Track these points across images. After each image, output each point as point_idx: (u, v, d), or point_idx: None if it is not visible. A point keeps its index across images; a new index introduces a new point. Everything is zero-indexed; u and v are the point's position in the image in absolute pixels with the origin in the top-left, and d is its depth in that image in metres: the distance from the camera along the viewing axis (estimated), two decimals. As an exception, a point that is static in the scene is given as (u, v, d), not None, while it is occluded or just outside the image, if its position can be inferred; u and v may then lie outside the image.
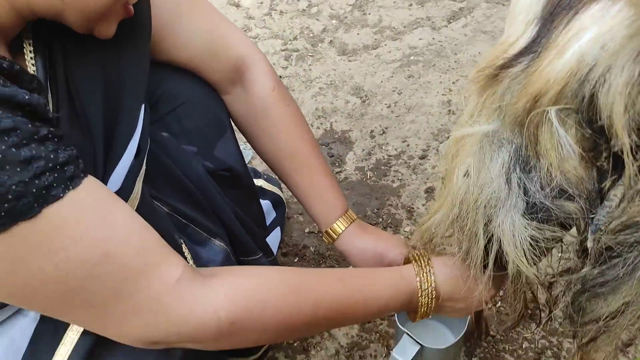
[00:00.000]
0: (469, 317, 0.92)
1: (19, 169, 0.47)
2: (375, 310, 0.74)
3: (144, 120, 0.70)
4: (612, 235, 0.54)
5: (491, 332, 1.14)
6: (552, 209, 0.57)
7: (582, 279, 0.60)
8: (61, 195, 0.50)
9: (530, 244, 0.60)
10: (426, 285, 0.75)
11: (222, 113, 0.90)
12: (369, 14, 1.86)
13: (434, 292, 0.75)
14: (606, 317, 0.60)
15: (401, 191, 1.39)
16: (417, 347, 0.86)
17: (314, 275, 0.72)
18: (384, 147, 1.50)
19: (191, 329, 0.60)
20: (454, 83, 1.64)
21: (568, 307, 0.67)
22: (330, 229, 0.93)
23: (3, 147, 0.46)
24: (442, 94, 1.62)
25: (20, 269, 0.50)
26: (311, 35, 1.82)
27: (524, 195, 0.60)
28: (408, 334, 0.87)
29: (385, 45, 1.77)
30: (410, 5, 1.88)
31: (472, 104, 0.63)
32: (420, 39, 1.77)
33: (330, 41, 1.80)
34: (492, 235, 0.67)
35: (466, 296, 0.77)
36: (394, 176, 1.43)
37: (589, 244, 0.57)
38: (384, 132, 1.54)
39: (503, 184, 0.62)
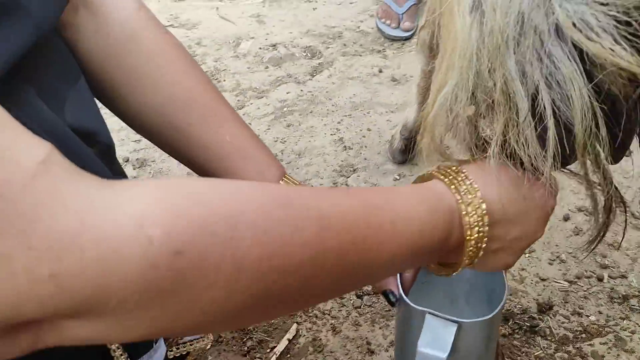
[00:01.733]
0: (504, 274, 0.62)
1: None
2: (409, 241, 0.42)
3: None
4: None
5: None
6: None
7: None
8: None
9: (617, 27, 0.36)
10: (470, 195, 0.45)
11: (66, 50, 0.54)
12: (224, 80, 1.67)
13: (482, 203, 0.45)
14: None
15: (320, 233, 1.10)
16: (454, 327, 0.53)
17: (308, 189, 0.44)
18: (283, 196, 1.22)
19: (87, 266, 0.26)
20: (339, 122, 1.46)
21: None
22: None
23: None
24: (331, 134, 1.42)
25: None
26: (164, 111, 1.56)
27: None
28: (432, 313, 0.54)
29: (252, 103, 1.57)
30: (267, 68, 1.73)
31: None
32: (288, 93, 1.60)
33: (189, 112, 1.55)
34: (538, 78, 0.43)
35: (523, 209, 0.47)
36: (306, 220, 1.15)
37: None
38: (278, 181, 1.27)
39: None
